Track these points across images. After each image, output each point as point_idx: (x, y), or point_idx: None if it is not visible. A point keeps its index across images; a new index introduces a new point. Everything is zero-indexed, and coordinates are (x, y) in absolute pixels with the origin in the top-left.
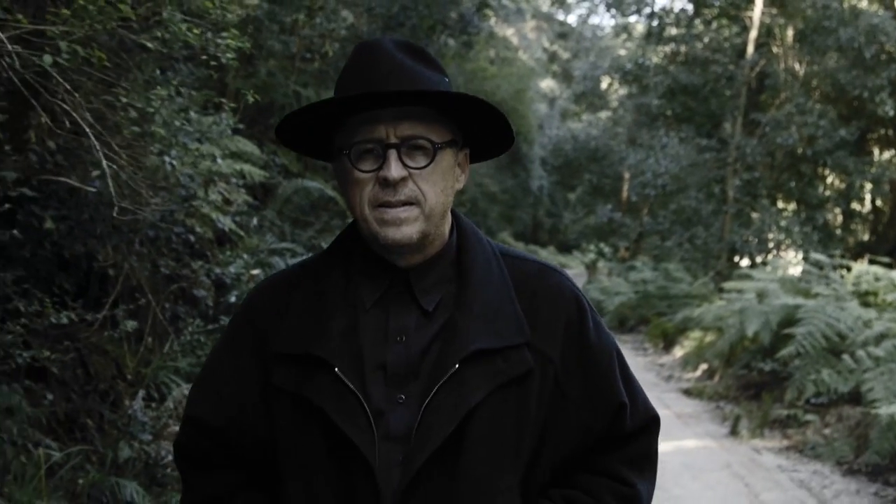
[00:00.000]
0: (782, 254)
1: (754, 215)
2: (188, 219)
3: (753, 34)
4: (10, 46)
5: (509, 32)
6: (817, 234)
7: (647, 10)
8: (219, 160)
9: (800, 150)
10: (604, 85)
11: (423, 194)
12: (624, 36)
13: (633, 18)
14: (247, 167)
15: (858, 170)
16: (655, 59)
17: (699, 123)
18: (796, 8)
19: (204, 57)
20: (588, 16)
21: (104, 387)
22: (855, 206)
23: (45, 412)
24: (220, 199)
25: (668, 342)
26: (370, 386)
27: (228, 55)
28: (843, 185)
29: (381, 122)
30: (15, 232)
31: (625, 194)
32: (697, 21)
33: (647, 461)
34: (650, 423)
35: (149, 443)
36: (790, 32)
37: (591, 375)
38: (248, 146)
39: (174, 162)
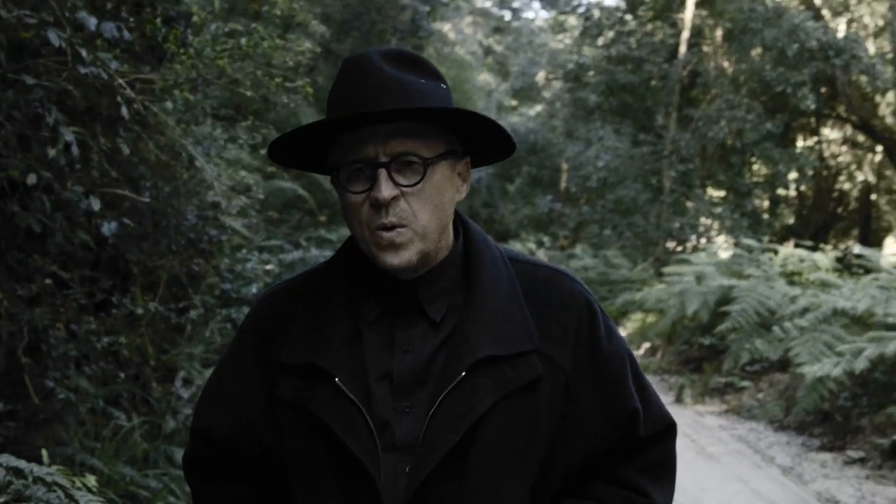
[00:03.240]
0: (715, 239)
1: (689, 204)
2: (211, 222)
3: (685, 35)
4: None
5: (446, 28)
6: (746, 220)
7: (582, 8)
8: (242, 172)
9: (729, 143)
10: (540, 80)
11: (414, 214)
12: (560, 33)
13: (567, 16)
14: (243, 173)
15: (784, 159)
16: (590, 55)
17: (635, 118)
18: (724, 10)
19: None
20: (523, 12)
21: (133, 371)
22: (781, 192)
23: (117, 389)
24: (239, 206)
25: None
26: (375, 396)
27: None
28: (769, 174)
29: (370, 141)
30: (86, 237)
31: (563, 185)
32: (630, 19)
33: (664, 469)
34: (666, 430)
35: (188, 417)
36: (719, 33)
37: (603, 382)
38: (242, 153)
39: (212, 176)
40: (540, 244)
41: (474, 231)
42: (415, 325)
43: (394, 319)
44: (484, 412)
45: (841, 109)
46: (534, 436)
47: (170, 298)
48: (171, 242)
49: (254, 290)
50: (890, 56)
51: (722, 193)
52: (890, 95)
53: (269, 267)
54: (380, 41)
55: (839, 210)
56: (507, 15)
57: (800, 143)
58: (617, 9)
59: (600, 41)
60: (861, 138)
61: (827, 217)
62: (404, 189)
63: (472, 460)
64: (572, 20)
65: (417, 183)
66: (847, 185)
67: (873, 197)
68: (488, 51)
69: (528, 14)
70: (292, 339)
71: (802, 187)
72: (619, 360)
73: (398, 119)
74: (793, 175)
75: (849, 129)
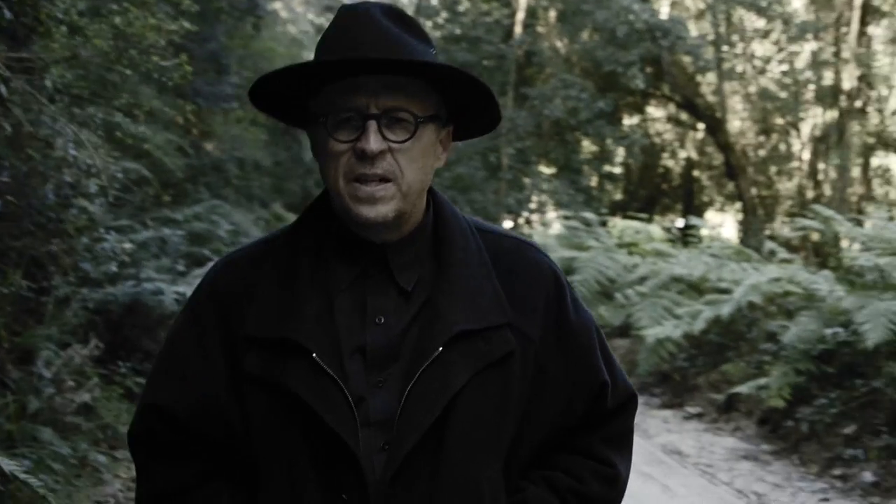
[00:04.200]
0: (550, 214)
1: (526, 180)
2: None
3: (520, 15)
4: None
5: (277, 6)
6: (581, 196)
7: None
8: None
9: (564, 121)
10: None
11: (400, 170)
12: None
13: None
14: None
15: (613, 136)
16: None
17: None
18: None
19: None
20: None
21: None
22: (609, 168)
23: None
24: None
25: None
26: (349, 370)
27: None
28: (598, 151)
29: (361, 91)
30: None
31: None
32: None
33: (626, 440)
34: (628, 401)
35: (52, 396)
36: (553, 14)
37: (573, 354)
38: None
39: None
40: None
41: (443, 202)
42: (385, 294)
43: (364, 288)
44: (460, 388)
45: (665, 88)
46: (507, 410)
47: (28, 279)
48: (29, 222)
49: (114, 268)
50: (711, 37)
51: (556, 170)
52: (711, 75)
53: (126, 246)
54: (216, 21)
55: (664, 186)
56: None
57: (626, 122)
58: None
59: (433, 21)
60: (684, 116)
61: (653, 192)
62: (393, 144)
63: (448, 437)
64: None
65: (407, 140)
66: (671, 162)
67: (695, 173)
68: (320, 30)
69: None
70: (259, 310)
71: (631, 164)
72: (587, 333)
73: (392, 72)
74: (621, 151)
75: (672, 108)
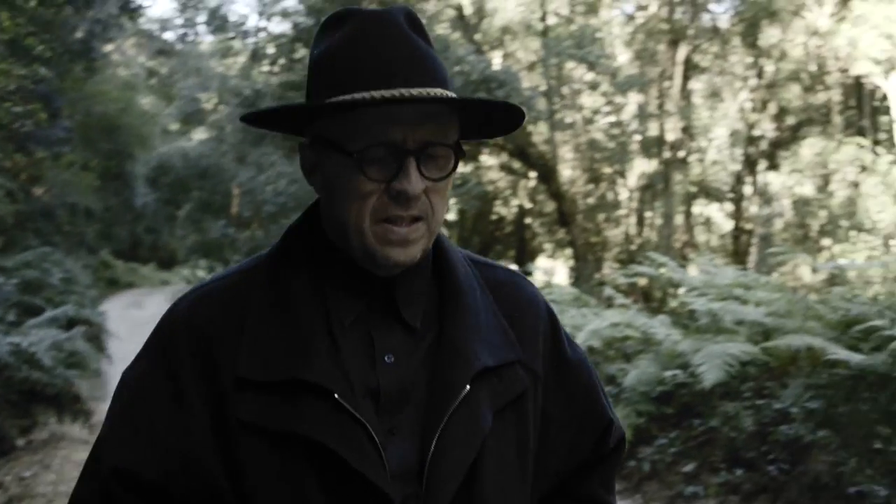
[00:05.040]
0: None
1: None
2: None
3: None
4: None
5: (109, 48)
6: None
7: (247, 32)
8: None
9: None
10: (209, 104)
11: (432, 208)
12: (228, 57)
13: (234, 41)
14: None
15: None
16: (264, 81)
17: None
18: None
19: None
20: (188, 35)
21: None
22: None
23: None
24: None
25: None
26: (365, 415)
27: None
28: None
29: (397, 122)
30: None
31: (235, 210)
32: (301, 46)
33: (615, 478)
34: (621, 441)
35: None
36: None
37: (575, 393)
38: None
39: None
40: (211, 270)
41: (440, 232)
42: (392, 329)
43: (368, 322)
44: (489, 430)
45: (499, 138)
46: (527, 450)
47: None
48: None
49: None
50: (543, 89)
51: None
52: (543, 125)
53: None
54: (49, 64)
55: (497, 233)
56: (172, 37)
57: (460, 170)
58: (283, 35)
59: (271, 67)
60: (517, 165)
61: (486, 239)
62: (430, 183)
63: (479, 484)
64: (238, 44)
65: (446, 177)
66: (504, 210)
67: (528, 220)
68: (152, 73)
69: (194, 37)
70: (256, 348)
71: (465, 210)
72: (588, 370)
73: (432, 101)
74: (454, 200)
75: (505, 157)
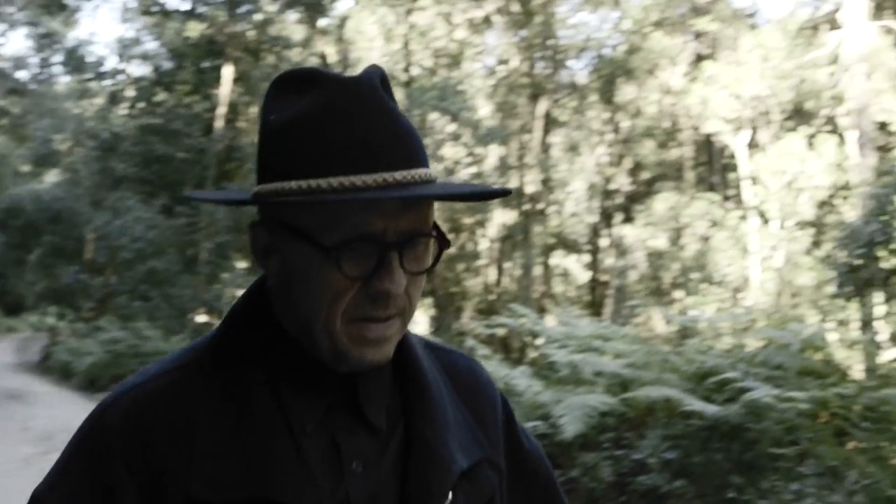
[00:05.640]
0: None
1: (224, 275)
2: None
3: (221, 110)
4: None
5: None
6: None
7: (105, 74)
8: None
9: None
10: (63, 146)
11: (410, 302)
12: (85, 99)
13: (91, 82)
14: None
15: None
16: (122, 124)
17: (171, 190)
18: (259, 87)
19: None
20: (42, 74)
21: None
22: None
23: None
24: None
25: None
26: None
27: None
28: None
29: (379, 212)
30: None
31: (89, 255)
32: (162, 90)
33: None
34: None
35: None
36: (254, 109)
37: (535, 486)
38: None
39: None
40: (62, 317)
41: None
42: (356, 432)
43: (332, 427)
44: None
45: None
46: None
47: None
48: None
49: None
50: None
51: (247, 264)
52: None
53: None
54: None
55: None
56: (26, 76)
57: None
58: (143, 78)
59: (129, 110)
60: None
61: None
62: (413, 277)
63: None
64: (96, 86)
65: (429, 269)
66: None
67: None
68: (3, 112)
69: (49, 77)
70: (205, 463)
71: None
72: (544, 459)
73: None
74: None
75: None
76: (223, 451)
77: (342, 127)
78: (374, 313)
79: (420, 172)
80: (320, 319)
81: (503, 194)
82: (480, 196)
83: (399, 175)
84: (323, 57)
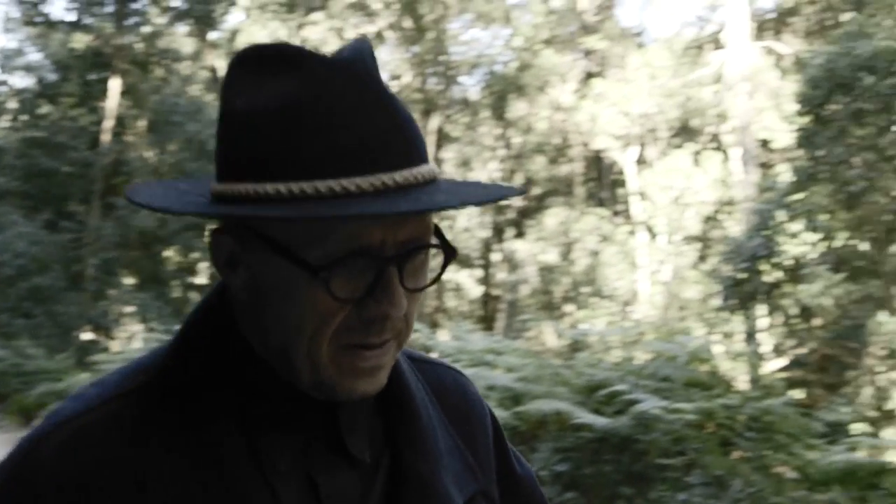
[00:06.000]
0: (135, 326)
1: (111, 292)
2: None
3: (108, 124)
4: None
5: None
6: (168, 308)
7: None
8: None
9: (151, 232)
10: None
11: (407, 324)
12: None
13: None
14: None
15: (201, 248)
16: (3, 137)
17: (55, 204)
18: (147, 101)
19: None
20: None
21: None
22: (196, 280)
23: None
24: None
25: (28, 416)
26: None
27: None
28: (185, 262)
29: (379, 222)
30: None
31: None
32: (44, 102)
33: None
34: None
35: None
36: (142, 123)
37: None
38: None
39: None
40: None
41: None
42: (336, 467)
43: (308, 461)
44: None
45: None
46: None
47: None
48: None
49: None
50: None
51: (141, 282)
52: None
53: None
54: None
55: None
56: None
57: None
58: (26, 90)
59: (12, 123)
60: None
61: None
62: (412, 294)
63: None
64: None
65: (430, 285)
66: None
67: None
68: None
69: None
70: None
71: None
72: (536, 485)
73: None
74: (205, 264)
75: None
76: (182, 498)
77: (334, 119)
78: (367, 339)
79: (423, 171)
80: (302, 347)
81: (519, 193)
82: (497, 198)
83: (400, 176)
84: (213, 70)
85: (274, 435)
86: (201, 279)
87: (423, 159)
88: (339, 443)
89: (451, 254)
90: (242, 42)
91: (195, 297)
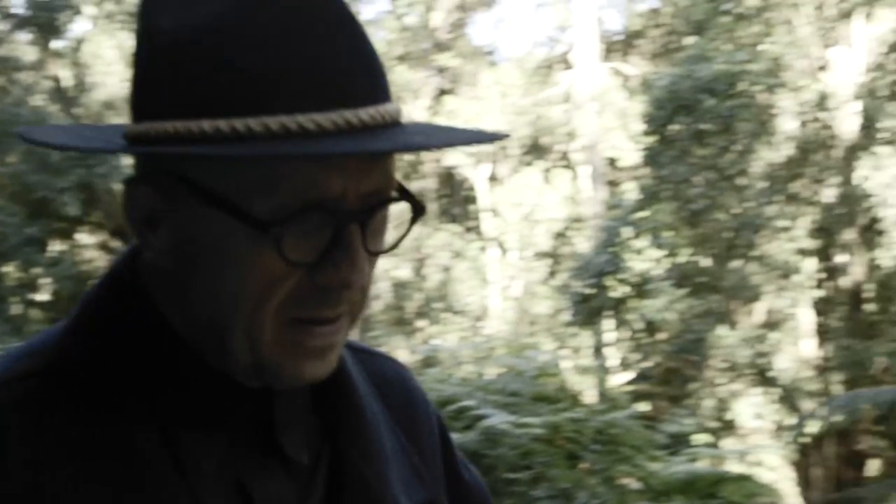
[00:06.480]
0: None
1: None
2: None
3: None
4: None
5: None
6: (7, 326)
7: None
8: None
9: None
10: None
11: (363, 295)
12: None
13: None
14: None
15: (42, 264)
16: None
17: None
18: None
19: None
20: None
21: None
22: (37, 296)
23: None
24: None
25: None
26: None
27: None
28: (25, 278)
29: (339, 169)
30: None
31: None
32: None
33: None
34: None
35: None
36: None
37: None
38: None
39: None
40: None
41: None
42: (269, 468)
43: (236, 461)
44: None
45: (99, 216)
46: None
47: None
48: None
49: None
50: None
51: None
52: None
53: None
54: None
55: None
56: None
57: (56, 248)
58: None
59: None
60: (117, 244)
61: None
62: (371, 258)
63: None
64: None
65: (394, 247)
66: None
67: None
68: None
69: None
70: None
71: (60, 291)
72: (486, 494)
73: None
74: (49, 280)
75: (106, 236)
76: None
77: (288, 39)
78: (320, 313)
79: (390, 109)
80: (240, 322)
81: (501, 137)
82: (479, 141)
83: (366, 114)
84: (57, 80)
85: (196, 431)
86: (43, 295)
87: (388, 97)
88: (272, 440)
89: (419, 210)
90: (88, 52)
91: (37, 314)
